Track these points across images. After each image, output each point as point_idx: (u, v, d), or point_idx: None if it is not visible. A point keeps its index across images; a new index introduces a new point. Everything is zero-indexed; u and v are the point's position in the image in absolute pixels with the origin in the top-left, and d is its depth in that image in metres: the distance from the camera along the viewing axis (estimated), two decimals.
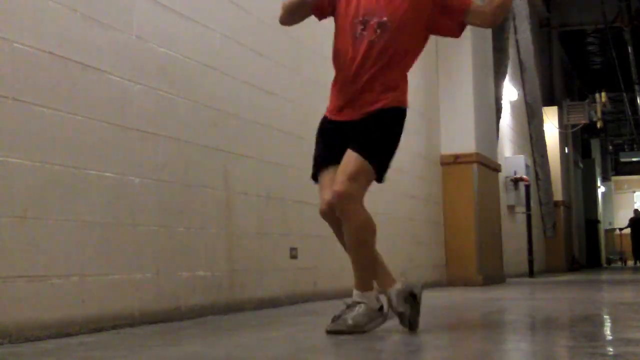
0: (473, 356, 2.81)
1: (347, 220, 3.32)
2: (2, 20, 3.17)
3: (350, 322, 3.27)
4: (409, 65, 3.46)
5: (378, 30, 3.33)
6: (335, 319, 3.33)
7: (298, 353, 2.88)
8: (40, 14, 3.38)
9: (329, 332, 3.27)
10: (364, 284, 3.40)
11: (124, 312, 3.73)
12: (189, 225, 4.33)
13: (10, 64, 3.19)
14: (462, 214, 8.73)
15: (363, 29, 3.35)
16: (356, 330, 3.26)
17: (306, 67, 5.87)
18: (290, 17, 3.54)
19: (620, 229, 25.85)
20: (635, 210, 25.26)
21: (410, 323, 3.29)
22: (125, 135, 3.85)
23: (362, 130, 3.31)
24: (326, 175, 3.39)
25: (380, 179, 3.39)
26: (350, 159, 3.27)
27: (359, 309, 3.32)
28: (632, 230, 24.43)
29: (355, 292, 3.41)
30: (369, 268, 3.42)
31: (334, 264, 6.11)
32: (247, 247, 4.91)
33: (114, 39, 3.82)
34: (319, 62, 6.12)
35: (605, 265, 24.23)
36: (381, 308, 3.36)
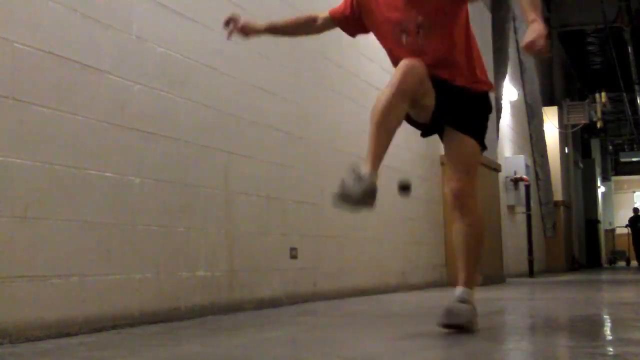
0: (473, 356, 2.81)
1: (467, 215, 3.31)
2: (2, 20, 3.17)
3: (465, 318, 3.19)
4: (461, 36, 3.33)
5: (420, 31, 3.25)
6: (448, 313, 3.19)
7: (298, 353, 2.88)
8: (40, 14, 3.38)
9: (445, 326, 3.18)
10: (470, 282, 3.33)
11: (124, 312, 3.73)
12: (189, 225, 4.33)
13: (10, 64, 3.19)
14: None
15: (407, 35, 3.27)
16: (470, 328, 3.20)
17: (306, 67, 5.87)
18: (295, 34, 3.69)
19: (627, 225, 25.22)
20: (635, 209, 24.89)
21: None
22: (125, 135, 3.85)
23: (467, 110, 3.31)
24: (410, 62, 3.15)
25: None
26: (468, 147, 3.31)
27: (469, 308, 3.23)
28: (632, 229, 24.13)
29: (462, 289, 3.30)
30: (477, 265, 3.38)
31: (334, 264, 6.11)
32: (247, 247, 4.91)
33: (114, 39, 3.82)
34: (320, 62, 6.12)
35: (607, 265, 24.01)
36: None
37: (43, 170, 3.32)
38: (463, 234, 3.34)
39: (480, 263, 3.44)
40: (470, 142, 3.33)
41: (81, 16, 3.61)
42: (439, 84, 3.27)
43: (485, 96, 3.43)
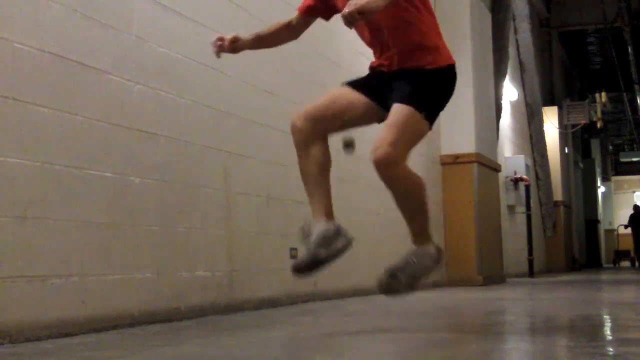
0: (473, 356, 2.81)
1: (385, 178, 3.18)
2: (2, 20, 3.17)
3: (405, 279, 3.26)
4: (422, 19, 3.26)
5: (385, 32, 3.27)
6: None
7: (298, 353, 2.88)
8: (40, 14, 3.38)
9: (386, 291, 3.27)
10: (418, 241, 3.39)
11: (124, 312, 3.73)
12: (189, 225, 4.33)
13: (10, 64, 3.19)
14: (462, 214, 8.73)
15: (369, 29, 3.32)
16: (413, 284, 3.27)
17: (306, 67, 5.87)
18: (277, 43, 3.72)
19: (625, 227, 24.42)
20: (635, 206, 24.16)
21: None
22: (125, 135, 3.85)
23: (406, 83, 3.20)
24: (334, 92, 3.34)
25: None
26: (394, 116, 3.12)
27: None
28: (632, 228, 23.49)
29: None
30: (424, 223, 3.41)
31: (334, 264, 6.11)
32: (247, 247, 4.91)
33: (114, 39, 3.82)
34: (319, 61, 6.12)
35: (612, 265, 23.73)
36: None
37: (43, 170, 3.32)
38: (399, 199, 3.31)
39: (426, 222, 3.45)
40: (404, 109, 3.13)
41: (81, 16, 3.61)
42: (403, 74, 3.26)
43: (445, 71, 3.28)
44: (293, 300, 5.34)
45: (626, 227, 24.02)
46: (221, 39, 3.55)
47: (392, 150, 3.07)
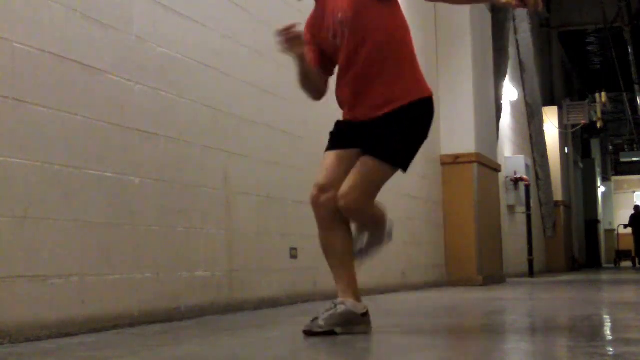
0: (473, 356, 2.81)
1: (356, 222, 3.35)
2: (2, 20, 3.17)
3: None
4: (401, 51, 3.27)
5: (345, 30, 3.24)
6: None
7: (298, 353, 2.88)
8: (40, 14, 3.38)
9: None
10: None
11: (124, 312, 3.73)
12: (189, 225, 4.33)
13: (10, 64, 3.19)
14: (462, 214, 8.73)
15: (334, 36, 3.28)
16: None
17: None
18: (315, 90, 3.54)
19: (625, 226, 23.80)
20: (636, 207, 23.70)
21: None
22: (125, 135, 3.85)
23: (377, 132, 3.22)
24: (327, 158, 3.33)
25: (404, 169, 3.33)
26: (365, 166, 3.20)
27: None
28: (634, 228, 22.94)
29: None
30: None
31: None
32: (247, 247, 4.91)
33: (114, 39, 3.82)
34: None
35: (613, 265, 23.48)
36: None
37: (43, 170, 3.32)
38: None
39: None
40: (373, 162, 3.21)
41: (81, 16, 3.61)
42: (366, 125, 3.26)
43: (416, 105, 3.27)
44: (293, 300, 5.34)
45: (626, 226, 23.68)
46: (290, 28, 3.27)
47: (360, 199, 3.22)
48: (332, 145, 3.38)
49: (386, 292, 6.86)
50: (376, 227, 3.41)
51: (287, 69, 5.64)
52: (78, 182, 3.52)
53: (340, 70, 3.38)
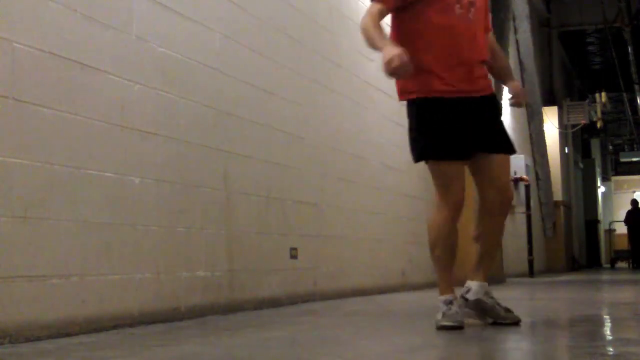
0: (473, 356, 2.81)
1: (505, 218, 3.67)
2: (2, 20, 3.17)
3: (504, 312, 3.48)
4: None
5: (471, 9, 3.41)
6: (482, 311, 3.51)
7: (298, 353, 2.88)
8: (40, 14, 3.38)
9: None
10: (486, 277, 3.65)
11: (124, 312, 3.73)
12: (189, 225, 4.33)
13: (10, 64, 3.19)
14: (462, 214, 8.70)
15: (460, 7, 3.40)
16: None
17: (306, 67, 5.87)
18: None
19: (626, 222, 21.81)
20: (634, 201, 21.95)
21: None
22: (125, 135, 3.85)
23: (495, 123, 3.49)
24: (456, 169, 3.48)
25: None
26: (505, 163, 3.50)
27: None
28: (630, 227, 21.31)
29: (482, 284, 3.63)
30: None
31: (334, 264, 6.11)
32: (247, 247, 4.90)
33: (114, 39, 3.82)
34: (319, 62, 6.12)
35: (611, 266, 22.96)
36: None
37: (43, 170, 3.32)
38: (498, 232, 3.77)
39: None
40: (508, 159, 3.59)
41: (81, 16, 3.61)
42: (472, 103, 3.43)
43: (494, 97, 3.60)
44: (293, 300, 5.34)
45: (626, 223, 22.46)
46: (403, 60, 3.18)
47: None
48: (451, 154, 3.45)
49: (386, 292, 6.86)
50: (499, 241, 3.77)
51: (287, 69, 5.64)
52: (78, 182, 3.52)
53: (450, 40, 3.39)
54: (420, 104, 3.39)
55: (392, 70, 3.12)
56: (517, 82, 3.61)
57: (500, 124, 3.55)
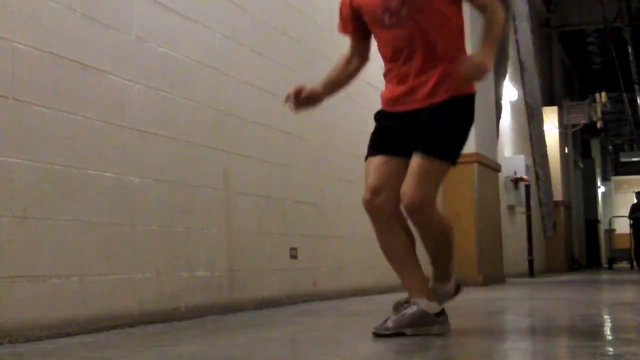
0: (473, 356, 2.81)
1: (417, 220, 3.25)
2: (2, 20, 3.17)
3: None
4: (453, 34, 3.24)
5: (403, 9, 3.13)
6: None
7: (298, 353, 2.88)
8: (40, 14, 3.38)
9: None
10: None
11: (124, 312, 3.73)
12: (189, 225, 4.33)
13: (10, 64, 3.19)
14: (462, 214, 8.72)
15: (390, 15, 3.17)
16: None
17: (306, 67, 5.87)
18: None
19: (629, 217, 20.61)
20: (639, 194, 20.88)
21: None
22: (125, 135, 3.85)
23: (426, 126, 3.15)
24: (372, 162, 3.26)
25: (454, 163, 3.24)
26: (416, 165, 3.12)
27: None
28: (633, 224, 20.40)
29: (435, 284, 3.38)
30: (448, 263, 3.39)
31: (334, 264, 6.11)
32: (247, 247, 4.91)
33: (114, 39, 3.82)
34: (319, 62, 6.12)
35: (609, 267, 22.69)
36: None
37: (43, 170, 3.32)
38: (426, 241, 3.33)
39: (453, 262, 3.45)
40: (426, 161, 3.12)
41: (81, 16, 3.61)
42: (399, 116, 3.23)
43: (460, 101, 3.21)
44: (293, 300, 5.34)
45: (629, 217, 21.71)
46: (297, 93, 3.41)
47: (420, 196, 3.12)
48: (378, 150, 3.28)
49: (386, 292, 6.86)
50: (443, 239, 3.30)
51: (287, 69, 5.65)
52: (78, 182, 3.52)
53: (390, 56, 3.27)
54: (375, 115, 3.42)
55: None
56: (477, 57, 3.08)
57: (438, 127, 3.16)
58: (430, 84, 3.18)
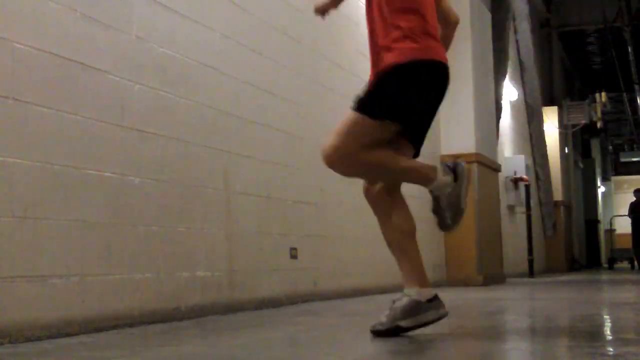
0: (473, 356, 2.81)
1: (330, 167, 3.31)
2: (2, 20, 3.17)
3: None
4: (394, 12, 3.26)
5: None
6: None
7: (298, 353, 2.88)
8: (40, 14, 3.38)
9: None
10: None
11: (124, 312, 3.73)
12: (189, 225, 4.33)
13: (10, 64, 3.19)
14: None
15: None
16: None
17: (306, 67, 5.87)
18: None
19: (629, 216, 20.12)
20: (637, 191, 20.46)
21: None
22: (125, 135, 3.85)
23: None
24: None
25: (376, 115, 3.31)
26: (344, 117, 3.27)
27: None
28: (632, 222, 20.00)
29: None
30: (416, 173, 3.40)
31: (334, 264, 6.11)
32: (247, 247, 4.91)
33: (114, 39, 3.82)
34: (319, 62, 6.12)
35: (609, 267, 22.51)
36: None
37: (43, 170, 3.32)
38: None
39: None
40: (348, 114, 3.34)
41: (81, 16, 3.61)
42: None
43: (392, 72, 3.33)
44: (293, 300, 5.34)
45: (629, 215, 21.40)
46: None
47: (329, 149, 3.30)
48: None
49: (386, 292, 6.86)
50: (394, 171, 3.32)
51: (287, 69, 5.65)
52: (78, 182, 3.52)
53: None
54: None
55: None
56: None
57: (372, 86, 3.38)
58: (384, 56, 3.37)
